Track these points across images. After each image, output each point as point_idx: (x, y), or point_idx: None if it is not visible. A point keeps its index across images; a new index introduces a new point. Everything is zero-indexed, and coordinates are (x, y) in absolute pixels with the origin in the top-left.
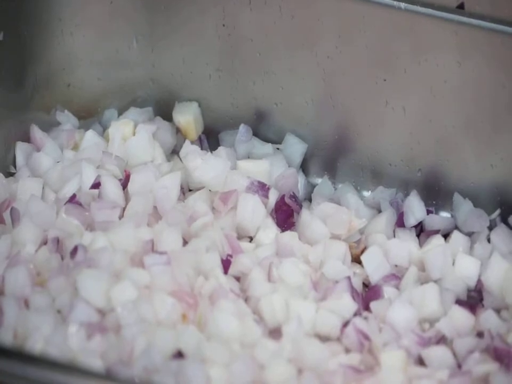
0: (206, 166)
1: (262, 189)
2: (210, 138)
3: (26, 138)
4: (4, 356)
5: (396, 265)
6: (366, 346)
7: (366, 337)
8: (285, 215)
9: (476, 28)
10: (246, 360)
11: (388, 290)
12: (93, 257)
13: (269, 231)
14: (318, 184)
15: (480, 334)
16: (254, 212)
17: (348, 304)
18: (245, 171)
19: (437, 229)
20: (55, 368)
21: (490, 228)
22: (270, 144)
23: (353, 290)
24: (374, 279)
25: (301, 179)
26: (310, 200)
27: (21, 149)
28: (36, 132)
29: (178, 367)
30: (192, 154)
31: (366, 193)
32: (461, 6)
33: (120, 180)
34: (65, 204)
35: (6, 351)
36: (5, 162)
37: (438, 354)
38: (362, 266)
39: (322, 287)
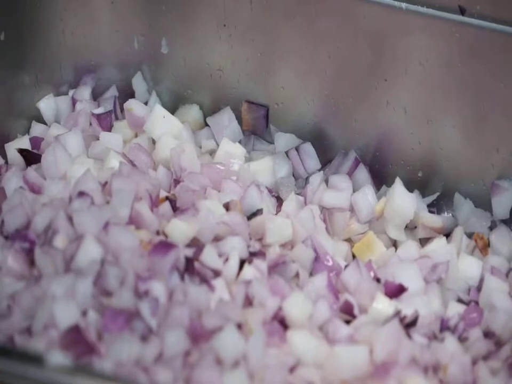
0: None
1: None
2: None
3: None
4: (4, 356)
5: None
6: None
7: None
8: None
9: (476, 28)
10: None
11: None
12: None
13: None
14: None
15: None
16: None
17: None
18: (251, 170)
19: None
20: (56, 368)
21: (491, 228)
22: (273, 144)
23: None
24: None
25: None
26: None
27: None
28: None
29: None
30: None
31: None
32: (461, 11)
33: None
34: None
35: (6, 351)
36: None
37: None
38: None
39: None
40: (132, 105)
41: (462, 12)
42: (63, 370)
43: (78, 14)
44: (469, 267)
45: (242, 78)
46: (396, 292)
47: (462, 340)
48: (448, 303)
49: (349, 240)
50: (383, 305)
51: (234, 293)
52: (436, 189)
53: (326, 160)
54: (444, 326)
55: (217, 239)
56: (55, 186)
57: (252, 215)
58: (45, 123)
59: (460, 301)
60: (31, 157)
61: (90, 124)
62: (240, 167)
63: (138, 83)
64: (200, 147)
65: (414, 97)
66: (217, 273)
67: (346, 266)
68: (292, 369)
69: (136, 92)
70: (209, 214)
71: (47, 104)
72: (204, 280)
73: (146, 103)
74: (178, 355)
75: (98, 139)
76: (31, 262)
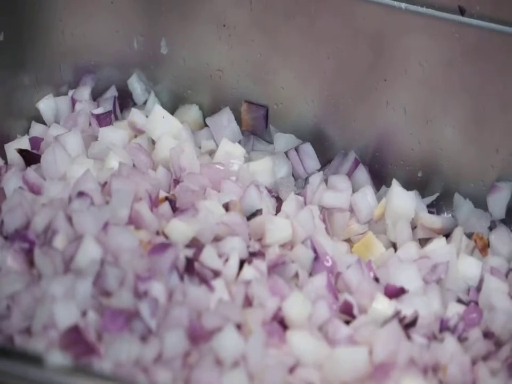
0: None
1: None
2: None
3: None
4: (3, 356)
5: None
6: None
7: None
8: None
9: (476, 29)
10: None
11: None
12: None
13: None
14: None
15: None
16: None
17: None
18: (251, 171)
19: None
20: (56, 368)
21: (491, 229)
22: (272, 144)
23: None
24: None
25: None
26: None
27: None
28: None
29: None
30: None
31: None
32: (461, 12)
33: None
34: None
35: (6, 352)
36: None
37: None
38: None
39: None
40: (134, 118)
41: (462, 12)
42: (63, 370)
43: (78, 14)
44: (469, 267)
45: (241, 78)
46: (395, 293)
47: (461, 340)
48: (448, 304)
49: (348, 240)
50: (382, 305)
51: (234, 293)
52: (436, 189)
53: (325, 160)
54: (444, 327)
55: (217, 239)
56: (55, 187)
57: (251, 216)
58: (44, 123)
59: (459, 301)
60: (30, 157)
61: (90, 124)
62: (239, 167)
63: (134, 84)
64: (200, 147)
65: (414, 97)
66: (217, 274)
67: (348, 266)
68: (291, 370)
69: (132, 93)
70: (209, 214)
71: (46, 105)
72: (204, 281)
73: (145, 103)
74: (177, 355)
75: (97, 139)
76: (31, 263)
